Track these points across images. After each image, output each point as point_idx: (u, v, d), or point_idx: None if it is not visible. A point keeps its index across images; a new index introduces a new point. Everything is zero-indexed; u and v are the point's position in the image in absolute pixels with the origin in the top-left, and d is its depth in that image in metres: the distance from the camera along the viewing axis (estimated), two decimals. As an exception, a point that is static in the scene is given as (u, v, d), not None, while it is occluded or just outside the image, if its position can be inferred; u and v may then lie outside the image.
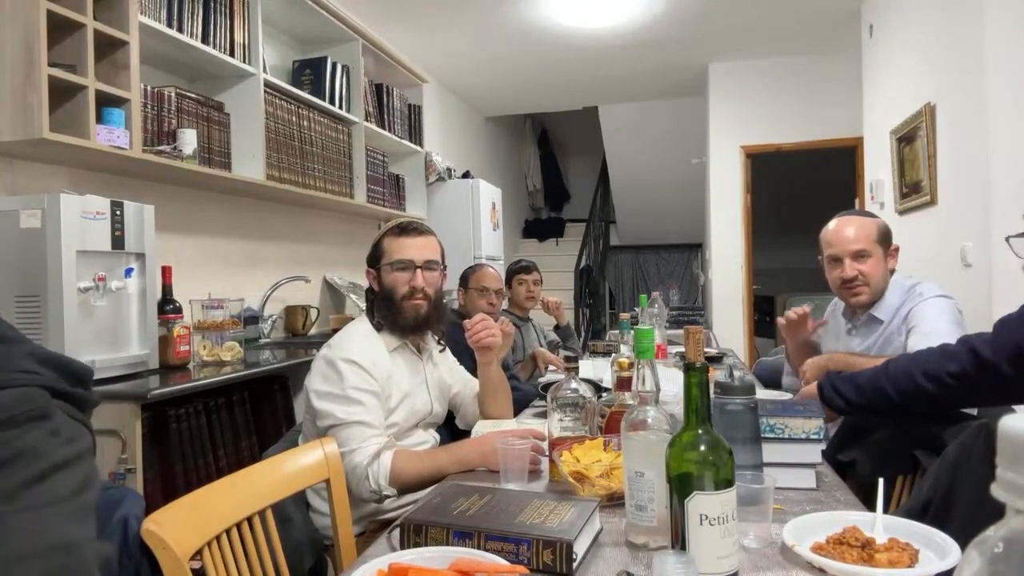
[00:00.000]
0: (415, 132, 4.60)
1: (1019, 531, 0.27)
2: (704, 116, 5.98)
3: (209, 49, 2.68)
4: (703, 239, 6.98)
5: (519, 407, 1.99)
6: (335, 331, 1.74)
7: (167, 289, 2.47)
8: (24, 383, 0.60)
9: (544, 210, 9.42)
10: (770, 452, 1.19)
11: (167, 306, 2.42)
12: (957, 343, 1.40)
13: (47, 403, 0.61)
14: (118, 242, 2.13)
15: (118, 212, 2.13)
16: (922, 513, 1.18)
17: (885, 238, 1.92)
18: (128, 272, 2.21)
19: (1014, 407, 1.37)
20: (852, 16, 4.46)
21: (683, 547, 0.82)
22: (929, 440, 1.44)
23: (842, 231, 1.94)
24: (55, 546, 0.58)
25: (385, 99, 4.19)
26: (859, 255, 1.90)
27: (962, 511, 1.11)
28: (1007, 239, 1.22)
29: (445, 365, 1.84)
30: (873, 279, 1.90)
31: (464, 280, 3.05)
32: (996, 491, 0.28)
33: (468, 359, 1.86)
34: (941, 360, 1.39)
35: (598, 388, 1.90)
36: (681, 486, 0.83)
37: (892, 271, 1.93)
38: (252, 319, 3.18)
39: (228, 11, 2.80)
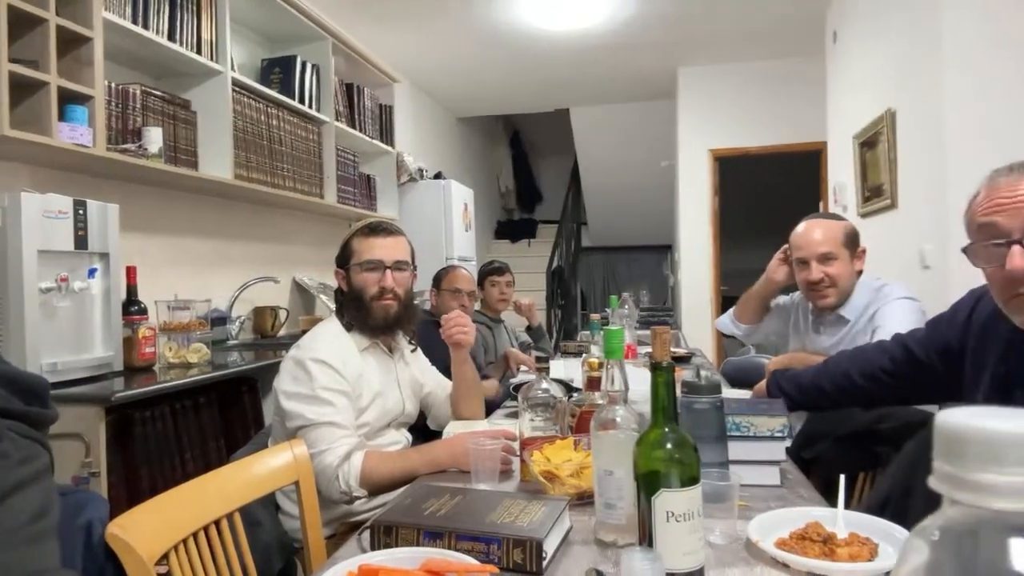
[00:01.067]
0: (386, 132, 4.58)
1: (954, 520, 0.28)
2: (673, 119, 6.06)
3: (175, 46, 2.64)
4: (673, 240, 7.06)
5: (491, 408, 2.00)
6: (305, 332, 1.73)
7: (132, 290, 2.42)
8: None
9: (516, 211, 9.45)
10: (736, 450, 1.21)
11: (132, 307, 2.38)
12: (891, 340, 1.45)
13: None
14: (81, 242, 2.09)
15: (81, 211, 2.09)
16: (882, 508, 1.21)
17: (852, 241, 1.96)
18: (91, 272, 2.16)
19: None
20: (818, 23, 4.56)
21: (650, 544, 0.83)
22: (890, 437, 1.49)
23: (809, 234, 1.98)
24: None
25: (356, 99, 4.17)
26: (825, 258, 1.94)
27: (919, 506, 1.14)
28: (963, 250, 1.27)
29: (417, 365, 1.83)
30: (840, 281, 1.94)
31: (437, 281, 3.05)
32: (933, 483, 0.29)
33: (440, 360, 1.86)
34: (876, 357, 1.44)
35: (569, 388, 1.92)
36: (648, 484, 0.84)
37: (859, 272, 1.98)
38: (220, 320, 3.13)
39: (195, 8, 2.76)
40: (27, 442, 0.62)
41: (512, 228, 8.99)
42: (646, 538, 0.84)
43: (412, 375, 1.79)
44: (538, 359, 1.44)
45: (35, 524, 0.57)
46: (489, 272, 3.47)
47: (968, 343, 1.23)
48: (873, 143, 3.53)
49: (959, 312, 1.29)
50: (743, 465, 1.21)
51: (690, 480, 0.84)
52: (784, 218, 2.49)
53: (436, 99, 6.43)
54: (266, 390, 2.77)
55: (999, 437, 0.28)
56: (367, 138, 4.23)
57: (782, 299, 2.33)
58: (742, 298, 2.35)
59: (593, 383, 1.40)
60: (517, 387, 2.04)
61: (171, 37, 2.63)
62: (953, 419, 0.29)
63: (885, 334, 1.77)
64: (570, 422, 1.41)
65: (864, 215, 3.69)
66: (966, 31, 2.70)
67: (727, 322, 2.41)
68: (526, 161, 9.37)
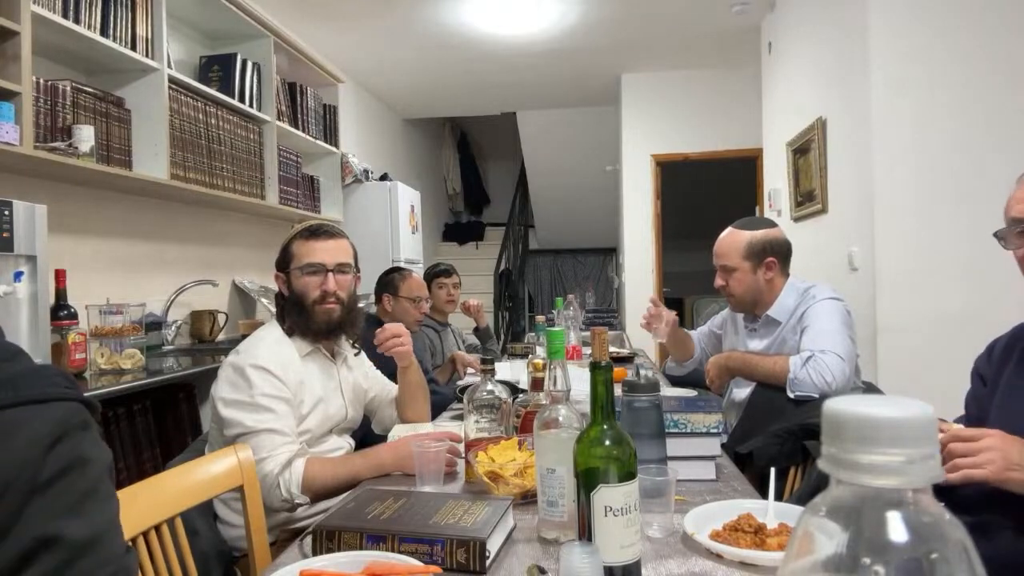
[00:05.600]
0: (330, 133, 4.52)
1: (839, 498, 0.31)
2: (617, 125, 6.17)
3: (108, 42, 2.55)
4: (617, 243, 7.18)
5: (437, 410, 2.00)
6: (244, 337, 1.70)
7: (61, 294, 2.34)
8: (70, 396, 0.63)
9: (464, 214, 9.44)
10: (673, 446, 1.25)
11: (61, 312, 2.29)
12: None
13: (87, 415, 0.64)
14: (6, 244, 2.00)
15: (6, 212, 2.00)
16: (811, 499, 1.27)
17: (756, 253, 2.02)
18: (17, 276, 2.07)
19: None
20: (754, 33, 4.72)
21: (589, 538, 0.86)
22: (819, 432, 1.55)
23: (718, 245, 2.10)
24: (125, 548, 0.63)
25: (299, 98, 4.10)
26: (724, 269, 2.05)
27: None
28: (994, 234, 1.33)
29: (360, 369, 1.82)
30: (736, 291, 2.05)
31: (393, 287, 2.97)
32: (821, 464, 0.32)
33: (387, 365, 1.85)
34: None
35: (515, 389, 1.94)
36: (587, 480, 0.87)
37: (770, 280, 2.03)
38: (155, 325, 3.04)
39: (130, 2, 2.68)
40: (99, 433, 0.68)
41: (460, 231, 8.98)
42: (585, 533, 0.87)
43: (355, 380, 1.78)
44: (483, 361, 1.45)
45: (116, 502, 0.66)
46: (436, 274, 3.47)
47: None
48: (805, 150, 3.68)
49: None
50: (680, 461, 1.25)
51: (627, 475, 0.86)
52: (722, 221, 2.58)
53: (382, 100, 6.38)
54: (204, 396, 2.70)
55: (873, 421, 0.31)
56: (310, 138, 4.17)
57: (715, 318, 2.41)
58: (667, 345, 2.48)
59: (537, 384, 1.42)
60: (463, 389, 2.05)
61: (104, 32, 2.54)
62: (836, 405, 0.32)
63: (813, 333, 1.86)
64: (515, 422, 1.43)
65: (797, 219, 3.84)
66: (892, 45, 2.85)
67: (673, 366, 2.53)
68: (474, 164, 9.38)
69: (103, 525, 0.61)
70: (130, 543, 1.05)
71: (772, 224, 2.12)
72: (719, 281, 2.08)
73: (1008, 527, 1.05)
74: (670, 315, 2.31)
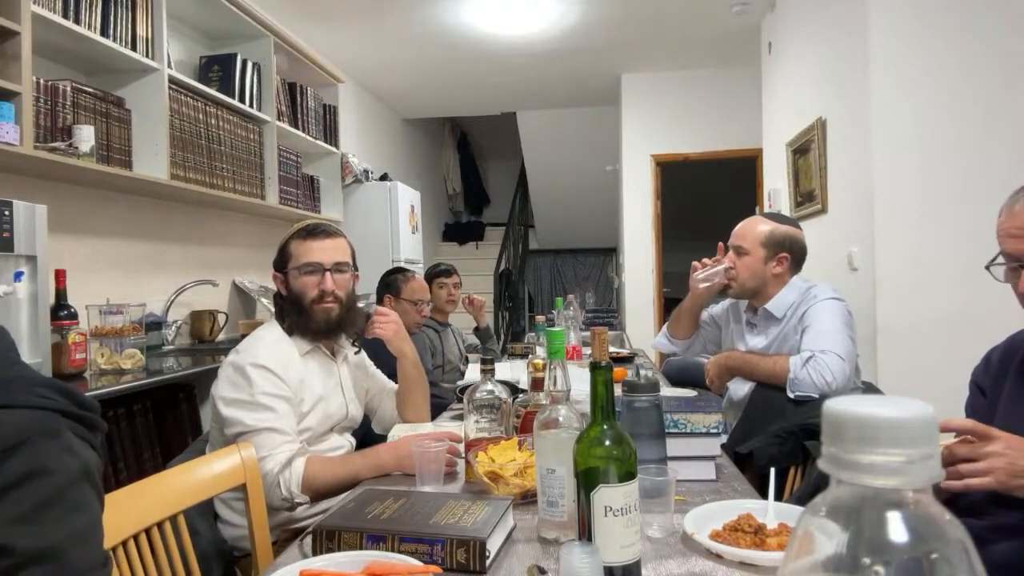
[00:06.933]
0: (330, 132, 4.52)
1: (840, 498, 0.31)
2: (617, 125, 6.17)
3: (108, 42, 2.55)
4: (617, 243, 7.18)
5: (437, 410, 2.00)
6: (244, 336, 1.70)
7: (61, 294, 2.34)
8: (40, 405, 0.62)
9: (464, 214, 9.44)
10: (673, 446, 1.25)
11: (61, 312, 2.29)
12: None
13: (60, 425, 0.63)
14: (6, 244, 2.00)
15: (6, 212, 2.00)
16: (811, 499, 1.26)
17: (774, 244, 2.03)
18: (17, 276, 2.07)
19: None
20: (754, 33, 4.72)
21: (589, 539, 0.86)
22: (819, 432, 1.55)
23: (739, 227, 2.11)
24: (98, 562, 0.62)
25: (299, 98, 4.10)
26: (737, 249, 2.06)
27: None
28: (987, 267, 1.29)
29: (361, 367, 1.82)
30: (740, 275, 2.05)
31: (395, 289, 2.97)
32: (821, 464, 0.32)
33: (388, 365, 1.85)
34: None
35: (515, 389, 1.94)
36: (587, 480, 0.87)
37: (777, 275, 2.04)
38: (155, 325, 3.04)
39: (130, 3, 2.68)
40: (82, 442, 0.66)
41: (460, 231, 8.98)
42: (585, 533, 0.86)
43: (356, 378, 1.78)
44: (483, 361, 1.45)
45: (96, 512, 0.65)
46: (436, 274, 3.47)
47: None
48: (805, 150, 3.68)
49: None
50: (680, 461, 1.25)
51: (627, 475, 0.86)
52: (722, 222, 2.58)
53: (382, 100, 6.38)
54: (204, 396, 2.70)
55: (874, 421, 0.31)
56: (310, 138, 4.17)
57: (714, 308, 2.40)
58: (674, 314, 2.41)
59: (537, 384, 1.42)
60: (463, 389, 2.05)
61: (104, 32, 2.55)
62: (836, 406, 0.32)
63: (814, 333, 1.86)
64: (515, 423, 1.43)
65: (797, 219, 3.84)
66: (892, 45, 2.85)
67: (663, 341, 2.46)
68: (474, 164, 9.38)
69: (63, 537, 0.59)
70: (130, 541, 1.05)
71: (797, 226, 2.13)
72: (727, 262, 2.08)
73: (1009, 529, 1.05)
74: (728, 275, 2.11)
